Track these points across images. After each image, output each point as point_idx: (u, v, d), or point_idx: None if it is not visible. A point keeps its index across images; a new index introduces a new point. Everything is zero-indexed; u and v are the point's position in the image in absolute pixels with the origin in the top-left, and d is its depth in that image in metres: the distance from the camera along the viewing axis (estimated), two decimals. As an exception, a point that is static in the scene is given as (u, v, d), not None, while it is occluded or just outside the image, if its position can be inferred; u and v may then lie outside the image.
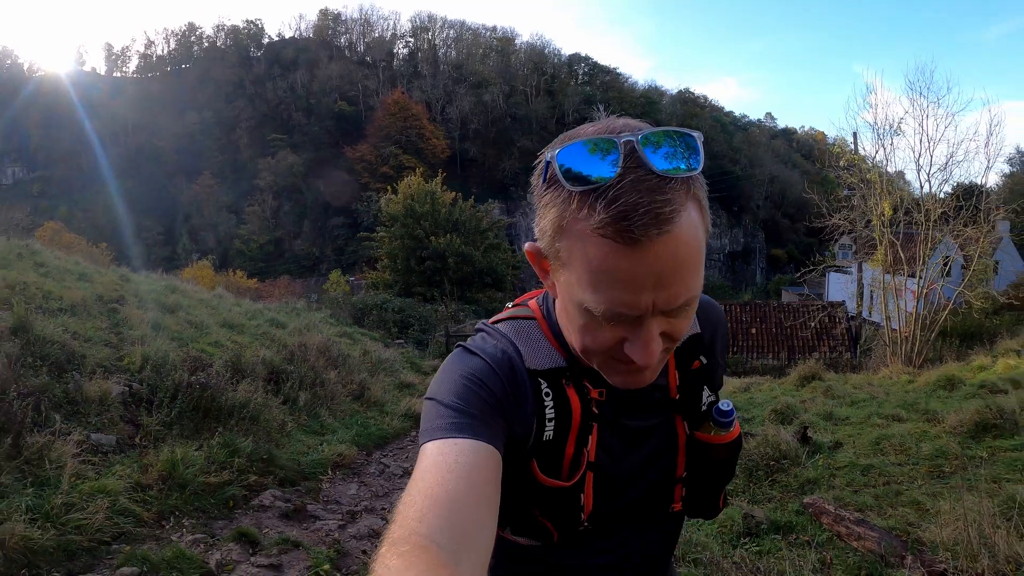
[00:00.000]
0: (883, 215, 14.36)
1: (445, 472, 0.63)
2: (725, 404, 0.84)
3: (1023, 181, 47.58)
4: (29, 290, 6.49)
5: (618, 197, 0.58)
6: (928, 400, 7.12)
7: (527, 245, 0.73)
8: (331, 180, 61.75)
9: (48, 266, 9.17)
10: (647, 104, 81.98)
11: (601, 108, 0.72)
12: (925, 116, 18.36)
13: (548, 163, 0.65)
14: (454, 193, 25.92)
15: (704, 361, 0.87)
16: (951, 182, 16.94)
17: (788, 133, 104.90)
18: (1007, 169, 54.00)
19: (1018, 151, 54.09)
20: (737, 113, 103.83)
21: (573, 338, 0.72)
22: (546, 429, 0.77)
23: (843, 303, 21.79)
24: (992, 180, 54.97)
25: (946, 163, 15.39)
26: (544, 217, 0.66)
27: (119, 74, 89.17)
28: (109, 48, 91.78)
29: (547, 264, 0.71)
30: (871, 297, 20.64)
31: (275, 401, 5.39)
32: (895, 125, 16.22)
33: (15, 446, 3.45)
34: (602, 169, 0.60)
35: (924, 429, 5.78)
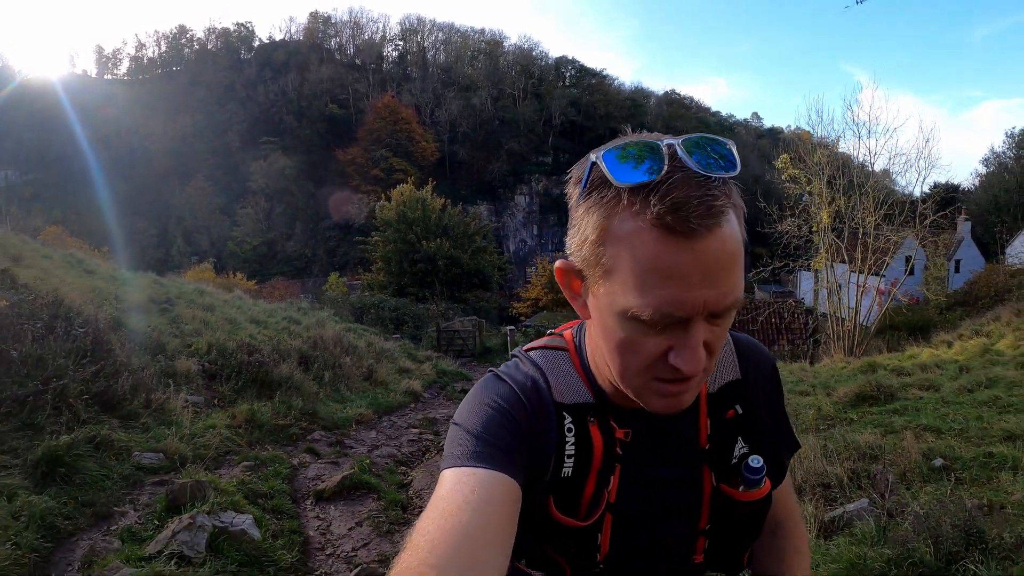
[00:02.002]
0: (822, 222, 16.14)
1: (460, 504, 0.63)
2: (755, 460, 0.79)
3: (998, 180, 49.28)
4: (104, 293, 8.10)
5: (671, 191, 0.58)
6: (840, 381, 8.75)
7: (557, 263, 0.72)
8: (325, 187, 63.03)
9: (97, 273, 10.75)
10: (633, 107, 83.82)
11: (628, 128, 0.72)
12: (868, 131, 20.28)
13: (593, 164, 0.65)
14: (444, 199, 27.72)
15: (740, 411, 0.83)
16: (895, 191, 18.70)
17: (775, 133, 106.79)
18: (982, 169, 55.83)
19: (992, 151, 55.53)
20: (724, 113, 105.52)
21: (610, 359, 0.69)
22: (565, 465, 0.76)
23: (801, 299, 23.71)
24: (967, 182, 56.65)
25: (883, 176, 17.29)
26: (585, 223, 0.65)
27: (110, 76, 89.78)
28: (100, 50, 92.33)
29: (578, 284, 0.70)
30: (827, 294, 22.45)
31: (307, 377, 7.06)
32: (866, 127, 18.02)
33: (147, 401, 5.11)
34: (650, 169, 0.60)
35: (820, 400, 7.52)
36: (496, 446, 0.70)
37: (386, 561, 2.93)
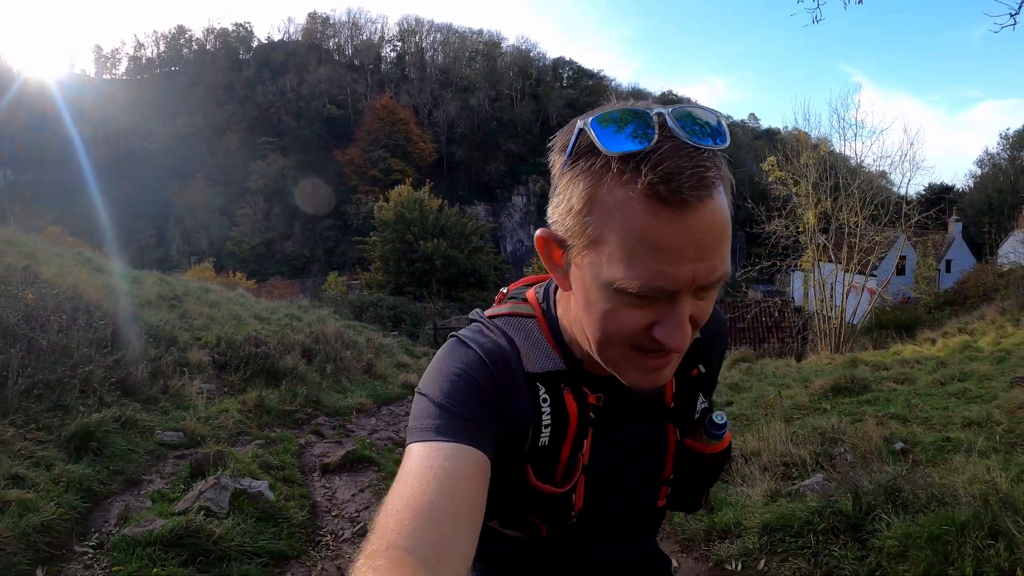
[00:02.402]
0: (808, 223, 16.58)
1: (428, 479, 0.62)
2: (719, 417, 0.84)
3: (992, 181, 49.57)
4: (116, 289, 8.49)
5: (662, 160, 0.57)
6: (822, 375, 9.12)
7: (538, 232, 0.70)
8: (320, 184, 63.37)
9: (106, 271, 11.13)
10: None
11: (613, 96, 0.68)
12: (855, 135, 20.79)
13: (580, 131, 0.63)
14: (441, 200, 28.18)
15: (703, 370, 0.87)
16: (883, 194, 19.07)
17: (772, 133, 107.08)
18: (977, 170, 56.18)
19: (987, 152, 56.17)
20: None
21: (591, 330, 0.67)
22: (542, 435, 0.76)
23: (790, 298, 24.18)
24: (961, 182, 56.81)
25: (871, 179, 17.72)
26: (570, 192, 0.63)
27: (108, 76, 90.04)
28: (98, 50, 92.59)
29: (559, 254, 0.68)
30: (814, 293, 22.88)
31: (311, 369, 7.47)
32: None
33: (164, 387, 5.51)
34: (640, 137, 0.59)
35: (797, 392, 7.92)
36: (463, 417, 0.69)
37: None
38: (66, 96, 74.87)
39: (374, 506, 3.59)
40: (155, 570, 2.46)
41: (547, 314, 0.80)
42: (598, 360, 0.70)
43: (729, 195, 0.63)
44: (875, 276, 22.48)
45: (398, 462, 3.28)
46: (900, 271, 29.89)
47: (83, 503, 3.34)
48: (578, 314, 0.71)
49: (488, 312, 0.84)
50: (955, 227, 38.13)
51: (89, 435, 4.00)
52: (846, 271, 17.55)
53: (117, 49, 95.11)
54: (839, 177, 17.12)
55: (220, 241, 65.11)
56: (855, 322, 18.11)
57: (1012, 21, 4.26)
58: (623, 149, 0.59)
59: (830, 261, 17.96)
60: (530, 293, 0.85)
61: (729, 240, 0.62)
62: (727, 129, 0.63)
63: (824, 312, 17.22)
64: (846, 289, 16.99)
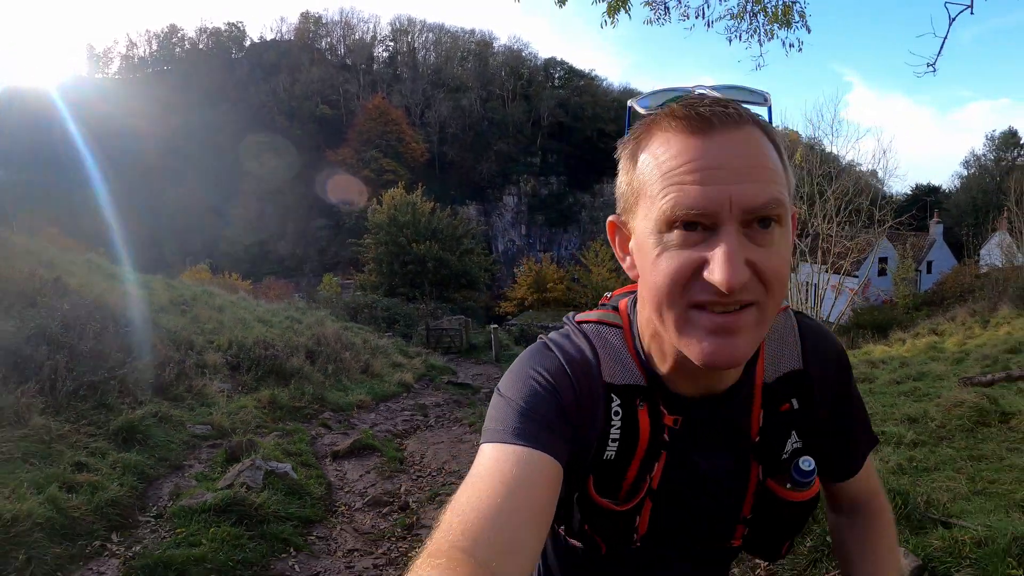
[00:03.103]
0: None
1: (497, 482, 0.62)
2: (806, 463, 0.77)
3: (976, 183, 50.29)
4: (132, 296, 9.14)
5: (686, 99, 0.63)
6: None
7: (609, 219, 0.73)
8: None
9: (117, 277, 11.76)
10: (620, 107, 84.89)
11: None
12: (832, 141, 21.58)
13: (630, 108, 0.69)
14: (433, 203, 28.92)
15: (796, 405, 0.79)
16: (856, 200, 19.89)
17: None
18: (963, 172, 56.99)
19: (973, 154, 56.61)
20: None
21: (648, 290, 0.65)
22: (608, 448, 0.75)
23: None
24: (948, 183, 57.18)
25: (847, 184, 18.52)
26: (623, 161, 0.68)
27: (101, 75, 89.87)
28: (91, 49, 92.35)
29: (626, 240, 0.70)
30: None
31: (314, 369, 8.17)
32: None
33: (189, 387, 6.21)
34: (675, 99, 0.66)
35: None
36: (539, 423, 0.68)
37: (392, 493, 4.08)
38: (59, 95, 74.67)
39: (379, 484, 4.33)
40: (212, 530, 3.18)
41: (632, 325, 0.79)
42: (663, 333, 0.67)
43: (774, 146, 0.63)
44: (856, 277, 23.43)
45: (398, 450, 4.05)
46: (882, 272, 30.83)
47: (139, 483, 4.05)
48: (643, 295, 0.70)
49: (579, 317, 0.83)
50: (936, 229, 39.02)
51: (133, 428, 4.70)
52: (820, 273, 18.36)
53: (109, 48, 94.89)
54: (813, 184, 17.90)
55: (213, 241, 65.38)
56: (831, 322, 18.95)
57: (931, 69, 4.96)
58: (657, 105, 0.66)
59: (806, 262, 18.75)
60: (623, 302, 0.83)
61: (777, 173, 0.61)
62: (770, 101, 0.67)
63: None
64: (822, 290, 17.82)
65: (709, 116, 0.59)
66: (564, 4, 5.09)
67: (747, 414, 0.77)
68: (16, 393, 4.70)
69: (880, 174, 19.51)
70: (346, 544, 3.35)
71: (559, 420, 0.70)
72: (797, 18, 5.04)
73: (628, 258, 0.71)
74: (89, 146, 71.30)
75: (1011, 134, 52.90)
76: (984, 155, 54.73)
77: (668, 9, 5.09)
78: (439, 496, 4.02)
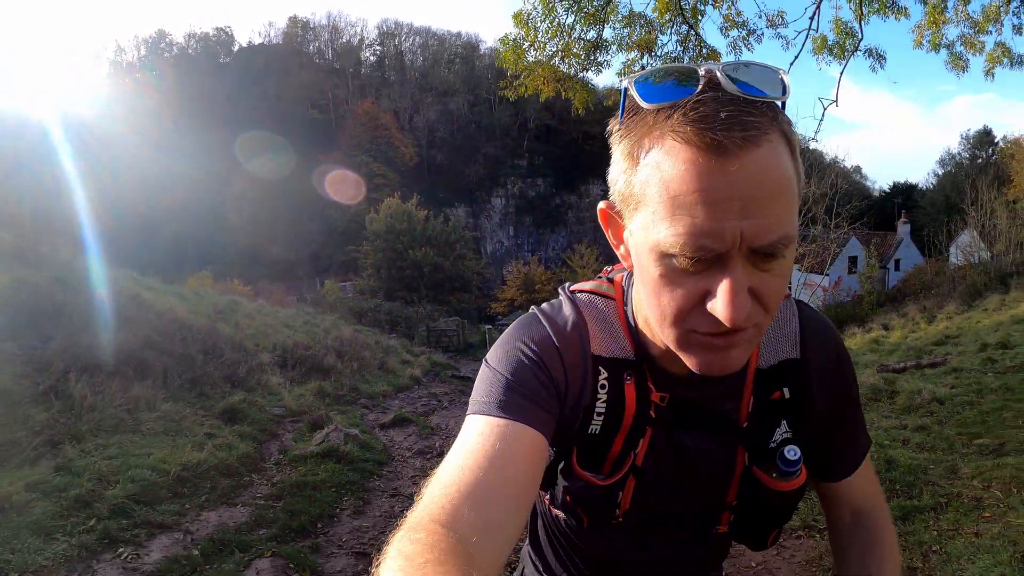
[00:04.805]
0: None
1: (480, 456, 0.62)
2: (791, 452, 0.76)
3: (951, 181, 51.75)
4: (184, 307, 10.82)
5: (699, 106, 0.54)
6: None
7: (600, 204, 0.68)
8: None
9: (155, 288, 13.40)
10: (604, 111, 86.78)
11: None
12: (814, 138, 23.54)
13: (626, 91, 0.61)
14: (427, 211, 30.84)
15: (787, 394, 0.78)
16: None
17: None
18: (939, 170, 58.68)
19: (948, 152, 58.47)
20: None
21: (648, 303, 0.64)
22: (593, 423, 0.75)
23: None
24: (924, 181, 58.25)
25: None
26: (618, 153, 0.62)
27: (88, 79, 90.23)
28: (79, 53, 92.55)
29: (620, 228, 0.66)
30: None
31: (343, 366, 9.93)
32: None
33: (258, 381, 7.94)
34: (682, 90, 0.56)
35: None
36: (525, 395, 0.69)
37: (430, 447, 5.87)
38: (46, 100, 74.93)
39: (419, 442, 6.14)
40: (322, 465, 4.96)
41: (627, 298, 0.78)
42: (660, 337, 0.68)
43: (794, 154, 0.58)
44: (827, 276, 25.56)
45: (425, 425, 5.91)
46: (852, 271, 32.88)
47: (253, 446, 5.79)
48: (638, 291, 0.70)
49: (573, 287, 0.82)
50: (903, 229, 41.14)
51: (234, 410, 6.44)
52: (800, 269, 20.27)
53: (98, 53, 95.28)
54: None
55: (206, 246, 66.49)
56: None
57: (835, 103, 6.63)
58: (662, 100, 0.57)
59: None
60: (619, 276, 0.81)
61: (790, 199, 0.57)
62: (788, 83, 0.59)
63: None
64: (795, 289, 19.72)
65: (724, 142, 0.53)
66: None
67: (737, 398, 0.77)
68: (144, 386, 6.44)
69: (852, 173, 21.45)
70: (407, 474, 5.15)
71: (545, 393, 0.71)
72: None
73: (623, 247, 0.68)
74: (75, 151, 71.91)
75: (985, 133, 54.65)
76: (959, 153, 56.65)
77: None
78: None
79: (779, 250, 0.57)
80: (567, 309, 0.78)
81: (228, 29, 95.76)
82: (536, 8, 5.38)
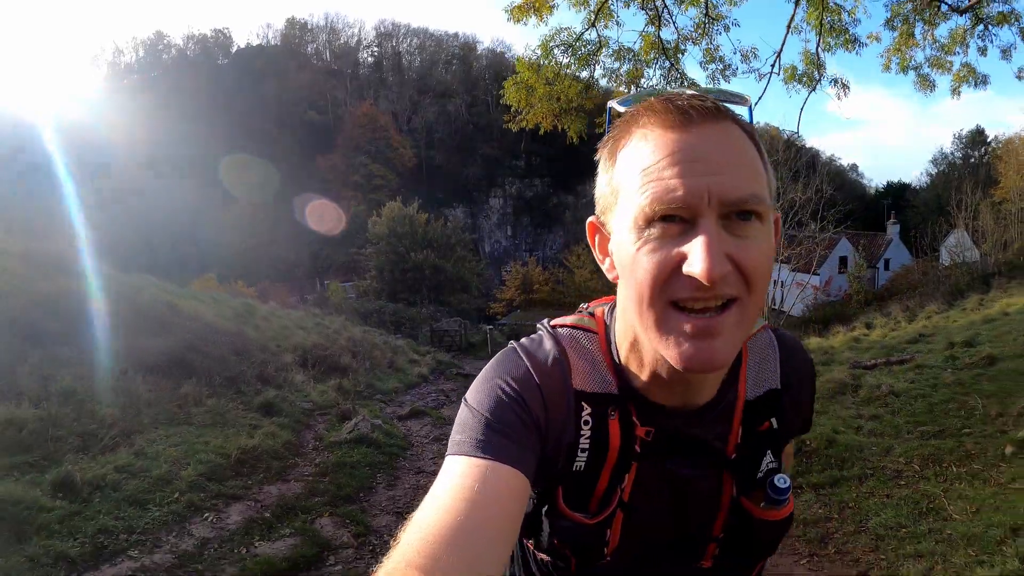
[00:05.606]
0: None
1: (459, 499, 0.61)
2: (781, 480, 0.77)
3: (943, 180, 52.13)
4: (212, 312, 11.63)
5: (666, 96, 0.63)
6: None
7: (589, 220, 0.72)
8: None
9: (176, 293, 14.19)
10: (600, 112, 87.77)
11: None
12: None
13: (610, 109, 0.70)
14: (427, 214, 31.70)
15: (774, 425, 0.80)
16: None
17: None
18: (932, 169, 58.69)
19: (941, 152, 58.97)
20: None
21: (628, 289, 0.65)
22: (577, 460, 0.74)
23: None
24: (917, 180, 58.47)
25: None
26: (601, 161, 0.68)
27: (87, 82, 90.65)
28: (78, 55, 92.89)
29: (605, 241, 0.69)
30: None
31: (357, 364, 10.76)
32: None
33: (284, 378, 8.76)
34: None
35: None
36: (504, 434, 0.68)
37: (445, 434, 6.70)
38: (43, 103, 75.28)
39: (435, 431, 6.99)
40: (356, 450, 5.80)
41: (608, 331, 0.78)
42: (642, 336, 0.68)
43: (752, 142, 0.63)
44: (818, 275, 26.47)
45: (439, 416, 6.81)
46: (842, 271, 33.82)
47: (292, 434, 6.62)
48: (623, 297, 0.69)
49: (554, 322, 0.83)
50: (893, 229, 42.01)
51: (270, 404, 7.27)
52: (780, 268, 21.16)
53: (96, 55, 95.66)
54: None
55: (206, 247, 67.00)
56: (784, 312, 21.80)
57: (796, 133, 7.56)
58: (635, 106, 0.66)
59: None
60: (600, 310, 0.82)
61: (755, 169, 0.61)
62: (751, 104, 0.67)
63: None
64: (786, 288, 20.69)
65: (687, 109, 0.59)
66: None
67: (725, 430, 0.77)
68: (191, 384, 7.27)
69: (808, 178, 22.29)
70: (427, 456, 6.01)
71: (526, 431, 0.70)
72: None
73: (608, 260, 0.70)
74: (73, 153, 72.14)
75: (978, 132, 55.23)
76: (952, 153, 57.37)
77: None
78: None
79: (750, 207, 0.60)
80: (548, 344, 0.78)
81: (226, 30, 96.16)
82: (537, 54, 6.24)
